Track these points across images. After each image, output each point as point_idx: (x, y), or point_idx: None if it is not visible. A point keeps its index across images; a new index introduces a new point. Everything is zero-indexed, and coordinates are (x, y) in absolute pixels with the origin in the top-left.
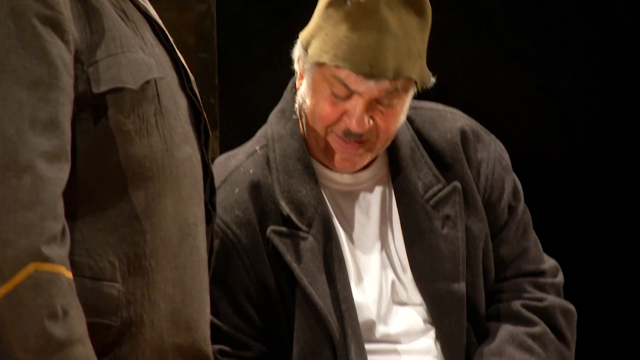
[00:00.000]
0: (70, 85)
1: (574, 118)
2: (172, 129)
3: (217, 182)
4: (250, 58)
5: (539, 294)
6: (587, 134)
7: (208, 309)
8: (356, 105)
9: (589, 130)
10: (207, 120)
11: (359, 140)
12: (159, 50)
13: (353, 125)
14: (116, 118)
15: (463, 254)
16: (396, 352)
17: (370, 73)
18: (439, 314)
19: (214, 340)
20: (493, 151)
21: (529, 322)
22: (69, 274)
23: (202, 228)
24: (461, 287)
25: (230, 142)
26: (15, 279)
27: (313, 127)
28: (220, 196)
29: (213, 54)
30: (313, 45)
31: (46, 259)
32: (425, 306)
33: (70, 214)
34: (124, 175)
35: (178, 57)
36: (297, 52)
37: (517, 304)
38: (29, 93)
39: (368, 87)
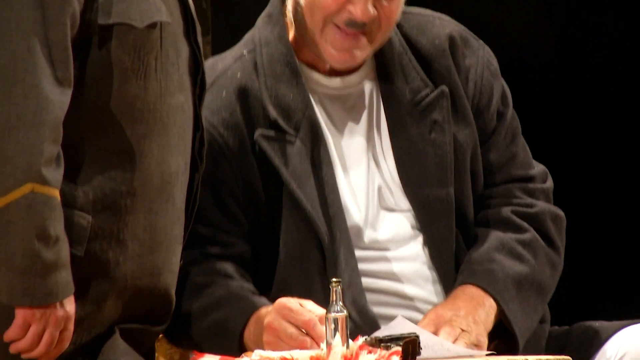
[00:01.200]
0: (77, 13)
1: (565, 23)
2: (169, 75)
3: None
4: None
5: (528, 200)
6: (579, 39)
7: (176, 259)
8: None
9: (580, 35)
10: (204, 72)
11: (361, 30)
12: None
13: (357, 13)
14: (117, 53)
15: (451, 159)
16: (385, 258)
17: None
18: (427, 219)
19: (199, 246)
20: (481, 57)
21: (518, 229)
22: (59, 200)
23: (183, 178)
24: (449, 192)
25: (222, 49)
26: (10, 196)
27: (309, 22)
28: (207, 99)
29: None
30: None
31: (44, 181)
32: (413, 212)
33: None
34: (113, 112)
35: (189, 5)
36: None
37: (506, 210)
38: (42, 12)
39: None
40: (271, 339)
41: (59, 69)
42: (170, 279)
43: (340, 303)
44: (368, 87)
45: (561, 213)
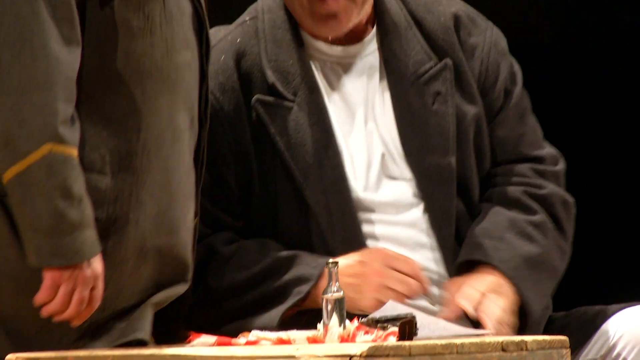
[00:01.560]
0: None
1: (565, 22)
2: (174, 32)
3: None
4: None
5: (538, 181)
6: (575, 20)
7: (190, 215)
8: None
9: (576, 15)
10: (208, 30)
11: None
12: None
13: None
14: (122, 12)
15: (453, 130)
16: (384, 222)
17: None
18: (428, 187)
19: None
20: (489, 36)
21: (529, 210)
22: (77, 159)
23: (188, 134)
24: (451, 161)
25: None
26: (29, 158)
27: None
28: None
29: None
30: None
31: (61, 140)
32: (414, 181)
33: None
34: (122, 72)
35: None
36: None
37: (517, 190)
38: None
39: None
40: (369, 284)
41: (65, 28)
42: (188, 237)
43: (337, 284)
44: (370, 57)
45: (571, 199)
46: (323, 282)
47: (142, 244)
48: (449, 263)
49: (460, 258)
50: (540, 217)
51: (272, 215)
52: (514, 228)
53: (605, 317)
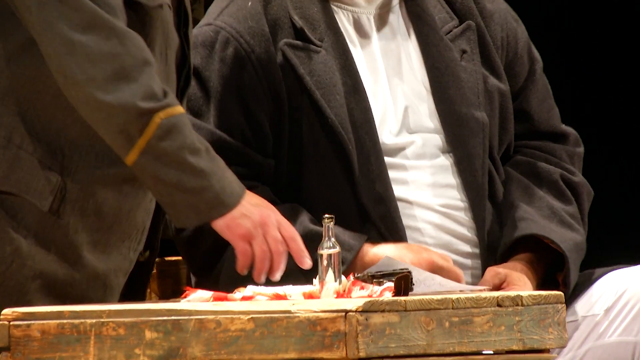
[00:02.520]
0: None
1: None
2: (158, 64)
3: None
4: None
5: (573, 168)
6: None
7: (132, 244)
8: None
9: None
10: (190, 67)
11: None
12: None
13: None
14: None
15: (482, 87)
16: (411, 167)
17: None
18: (460, 138)
19: (225, 158)
20: (502, 4)
21: (564, 198)
22: (184, 112)
23: None
24: (483, 115)
25: None
26: (146, 134)
27: None
28: (232, 9)
29: None
30: None
31: (167, 105)
32: (443, 134)
33: None
34: None
35: None
36: None
37: (555, 173)
38: None
39: None
40: None
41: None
42: (121, 264)
43: (333, 239)
44: (397, 9)
45: (592, 191)
46: (362, 254)
47: (72, 253)
48: (479, 210)
49: (520, 232)
50: (574, 207)
51: (300, 157)
52: (555, 217)
53: (599, 276)
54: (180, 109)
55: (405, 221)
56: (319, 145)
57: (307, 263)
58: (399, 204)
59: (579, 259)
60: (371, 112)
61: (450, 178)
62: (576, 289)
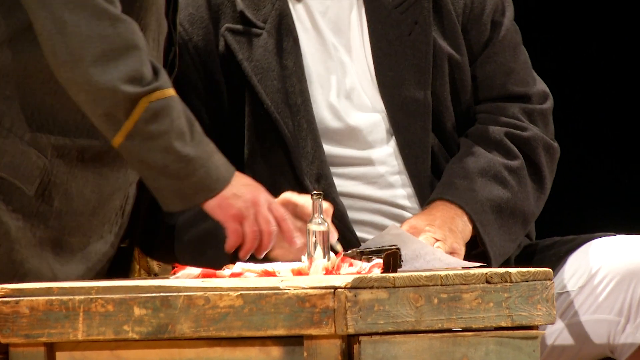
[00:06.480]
0: None
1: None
2: (151, 49)
3: None
4: None
5: (524, 123)
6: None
7: (105, 235)
8: None
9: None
10: (177, 54)
11: None
12: None
13: None
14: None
15: (430, 61)
16: (353, 159)
17: None
18: (403, 121)
19: None
20: None
21: (508, 153)
22: (175, 95)
23: None
24: (427, 94)
25: None
26: (132, 117)
27: None
28: None
29: None
30: None
31: (155, 88)
32: (387, 114)
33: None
34: None
35: None
36: None
37: (499, 131)
38: None
39: None
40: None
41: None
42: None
43: (322, 216)
44: None
45: (555, 144)
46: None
47: (57, 236)
48: (424, 198)
49: (432, 197)
50: (519, 162)
51: (241, 143)
52: (490, 171)
53: (576, 246)
54: (170, 92)
55: (351, 214)
56: (259, 130)
57: (297, 243)
58: (343, 199)
59: (504, 217)
60: (308, 94)
61: (393, 170)
62: (547, 262)
